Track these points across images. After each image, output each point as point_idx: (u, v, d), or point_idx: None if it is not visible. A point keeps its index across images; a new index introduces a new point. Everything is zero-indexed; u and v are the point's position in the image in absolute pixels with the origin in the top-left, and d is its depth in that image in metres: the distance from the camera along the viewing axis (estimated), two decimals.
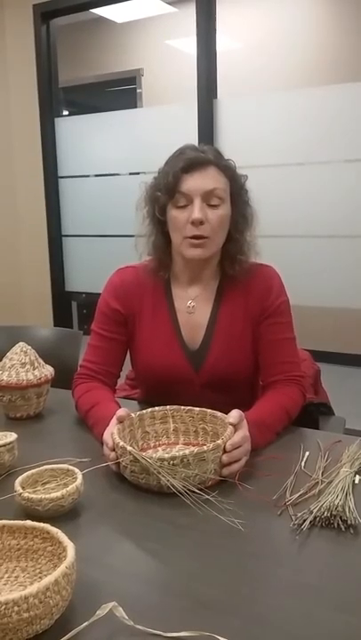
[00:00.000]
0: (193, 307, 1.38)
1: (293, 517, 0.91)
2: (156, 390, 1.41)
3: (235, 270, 1.36)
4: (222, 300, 1.38)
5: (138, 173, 3.28)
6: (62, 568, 0.68)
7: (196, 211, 1.25)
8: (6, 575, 0.79)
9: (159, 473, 0.96)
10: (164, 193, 1.29)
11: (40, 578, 0.77)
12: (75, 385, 1.40)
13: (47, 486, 1.00)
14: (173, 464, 0.96)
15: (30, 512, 0.92)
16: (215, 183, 1.27)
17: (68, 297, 3.75)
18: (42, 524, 0.79)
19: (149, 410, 1.20)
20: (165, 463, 0.96)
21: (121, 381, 1.55)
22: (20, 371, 1.35)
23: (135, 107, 5.08)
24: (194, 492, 0.96)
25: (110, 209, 3.35)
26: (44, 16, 3.39)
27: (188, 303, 1.38)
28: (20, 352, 1.38)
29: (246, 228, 1.36)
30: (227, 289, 1.39)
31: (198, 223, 1.26)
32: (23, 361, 1.37)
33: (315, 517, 0.90)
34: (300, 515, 0.91)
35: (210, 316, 1.38)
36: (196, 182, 1.26)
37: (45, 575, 0.75)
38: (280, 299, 1.37)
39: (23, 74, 3.51)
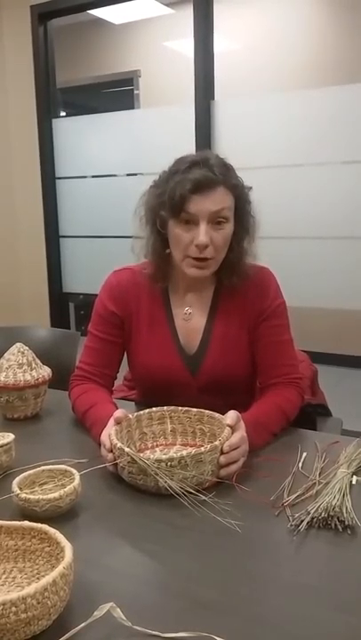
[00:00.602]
0: (190, 313, 1.38)
1: (291, 518, 0.91)
2: (154, 393, 1.40)
3: (232, 282, 1.34)
4: (219, 304, 1.38)
5: (135, 174, 3.28)
6: (60, 569, 0.68)
7: (202, 234, 1.22)
8: (4, 576, 0.79)
9: (157, 474, 0.96)
10: (169, 210, 1.25)
11: (38, 579, 0.77)
12: (71, 386, 1.40)
13: (45, 487, 1.00)
14: (171, 465, 0.96)
15: (28, 513, 0.92)
16: (222, 203, 1.24)
17: (66, 298, 3.74)
18: (39, 525, 0.79)
19: (147, 411, 1.20)
20: (163, 464, 0.96)
21: (118, 382, 1.55)
22: (17, 371, 1.35)
23: (133, 108, 5.07)
24: (191, 493, 0.96)
25: (108, 210, 3.35)
26: (41, 17, 3.40)
27: (185, 310, 1.38)
28: (18, 353, 1.38)
29: (247, 239, 1.34)
30: (223, 293, 1.38)
31: (203, 248, 1.24)
32: (21, 362, 1.37)
33: (312, 518, 0.90)
34: (297, 515, 0.91)
35: (206, 320, 1.37)
36: (205, 204, 1.22)
37: (43, 576, 0.75)
38: (277, 301, 1.37)
39: (21, 75, 3.52)
